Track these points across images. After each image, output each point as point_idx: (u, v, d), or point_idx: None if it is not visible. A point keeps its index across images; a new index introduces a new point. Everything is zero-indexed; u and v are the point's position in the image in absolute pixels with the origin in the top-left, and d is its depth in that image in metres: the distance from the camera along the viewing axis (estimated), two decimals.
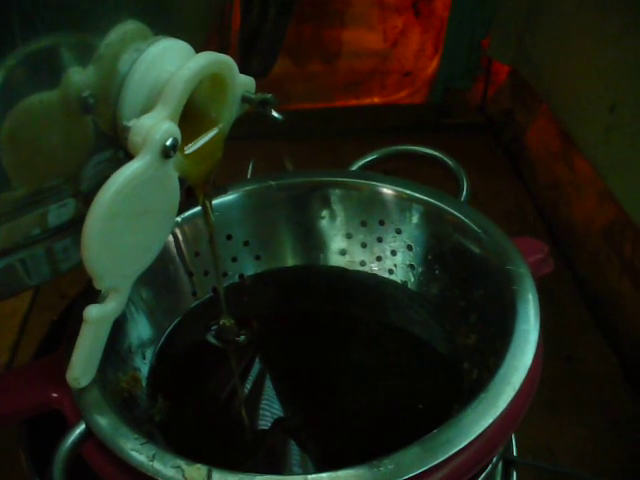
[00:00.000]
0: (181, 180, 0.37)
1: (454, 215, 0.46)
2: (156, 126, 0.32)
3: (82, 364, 0.35)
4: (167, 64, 0.35)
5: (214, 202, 0.47)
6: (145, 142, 0.32)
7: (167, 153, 0.33)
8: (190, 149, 0.37)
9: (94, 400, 0.35)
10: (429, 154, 0.50)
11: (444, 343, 0.46)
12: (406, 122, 1.04)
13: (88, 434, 0.34)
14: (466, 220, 0.45)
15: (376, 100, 1.10)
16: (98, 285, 0.34)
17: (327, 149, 0.94)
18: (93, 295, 0.37)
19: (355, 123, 1.03)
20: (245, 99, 0.39)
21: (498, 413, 0.33)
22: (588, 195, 0.79)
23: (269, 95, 0.39)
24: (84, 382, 0.36)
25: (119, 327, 0.41)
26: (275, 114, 0.39)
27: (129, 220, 0.33)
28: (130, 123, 0.33)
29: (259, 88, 0.39)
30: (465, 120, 1.08)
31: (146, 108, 0.34)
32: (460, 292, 0.45)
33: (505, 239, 0.43)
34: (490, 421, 0.32)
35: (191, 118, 0.36)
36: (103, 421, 0.34)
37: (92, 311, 0.34)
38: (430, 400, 0.42)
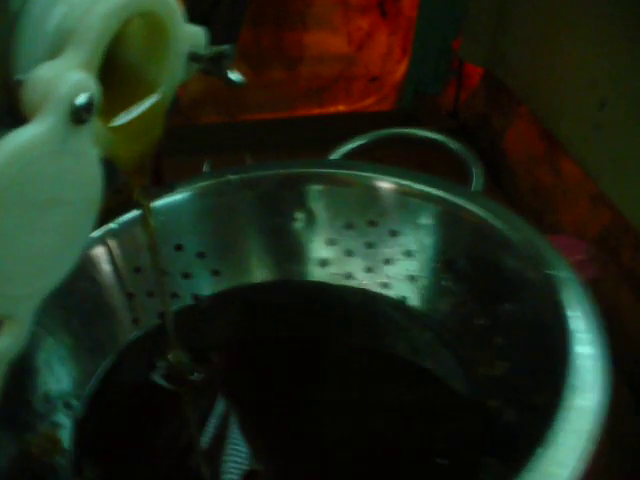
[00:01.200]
0: (112, 168, 0.27)
1: (471, 211, 0.36)
2: (62, 76, 0.23)
3: None
4: None
5: (159, 203, 0.39)
6: (46, 99, 0.22)
7: (79, 116, 0.23)
8: (120, 121, 0.27)
9: None
10: (427, 138, 0.41)
11: (459, 375, 0.36)
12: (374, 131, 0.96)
13: None
14: (488, 216, 0.35)
15: (341, 108, 1.05)
16: None
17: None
18: None
19: (319, 133, 0.95)
20: (193, 56, 0.29)
21: (568, 475, 0.23)
22: (578, 200, 0.72)
23: (225, 47, 0.29)
24: None
25: (30, 366, 0.32)
26: (232, 75, 0.30)
27: (22, 214, 0.23)
28: (24, 76, 0.23)
29: None
30: (437, 127, 1.01)
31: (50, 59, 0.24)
32: (480, 308, 0.36)
33: (539, 237, 0.34)
34: None
35: (121, 81, 0.28)
36: None
37: None
38: (450, 453, 0.32)
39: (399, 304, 0.40)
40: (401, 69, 0.99)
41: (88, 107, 0.23)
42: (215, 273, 0.42)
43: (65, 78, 0.23)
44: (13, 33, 0.24)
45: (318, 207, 0.41)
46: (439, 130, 0.99)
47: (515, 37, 0.84)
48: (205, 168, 0.47)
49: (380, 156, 0.47)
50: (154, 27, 0.28)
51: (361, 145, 0.42)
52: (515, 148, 0.87)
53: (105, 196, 0.27)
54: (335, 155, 0.42)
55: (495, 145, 0.91)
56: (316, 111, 1.02)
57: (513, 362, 0.33)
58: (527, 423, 0.28)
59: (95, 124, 0.25)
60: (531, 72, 0.80)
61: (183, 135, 0.72)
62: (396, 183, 0.39)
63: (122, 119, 0.28)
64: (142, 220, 0.32)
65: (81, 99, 0.23)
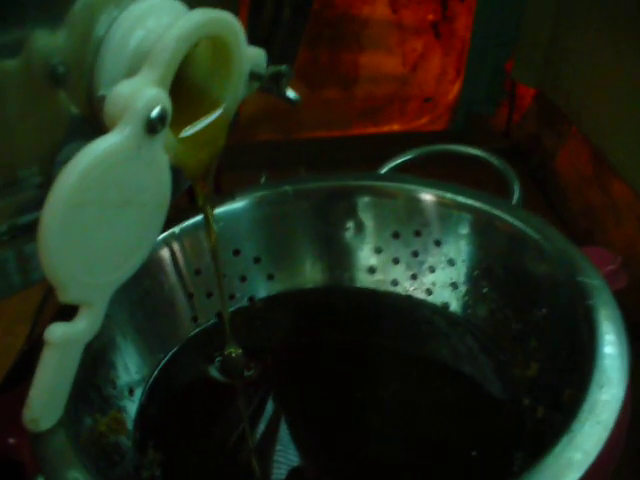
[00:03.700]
0: (178, 176, 0.30)
1: (507, 222, 0.38)
2: (139, 92, 0.26)
3: (43, 400, 0.27)
4: (154, 24, 0.28)
5: (219, 210, 0.41)
6: (124, 112, 0.25)
7: (153, 127, 0.26)
8: (187, 132, 0.30)
9: (59, 448, 0.27)
10: (470, 154, 0.43)
11: (497, 376, 0.38)
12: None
13: None
14: (523, 226, 0.37)
15: (395, 127, 1.04)
16: (62, 296, 0.26)
17: None
18: (68, 315, 0.29)
19: (373, 151, 0.96)
20: (254, 75, 0.32)
21: (590, 461, 0.25)
22: (627, 220, 0.72)
23: (283, 67, 0.32)
24: (45, 424, 0.28)
25: (101, 356, 0.35)
26: (290, 93, 0.32)
27: (102, 212, 0.26)
28: (106, 92, 0.26)
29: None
30: (489, 147, 1.01)
31: (128, 77, 0.27)
32: (516, 313, 0.38)
33: (572, 247, 0.36)
34: (581, 473, 0.24)
35: (189, 98, 0.31)
36: (70, 477, 0.26)
37: (56, 331, 0.27)
38: (484, 447, 0.34)
39: (442, 310, 0.42)
40: (454, 90, 0.99)
41: (161, 119, 0.26)
42: (270, 277, 0.44)
43: (142, 94, 0.26)
44: (98, 55, 0.28)
45: (367, 217, 0.43)
46: (491, 150, 1.01)
47: (568, 59, 0.83)
48: (262, 180, 0.50)
49: (432, 174, 0.48)
50: (220, 49, 0.30)
51: (407, 160, 0.44)
52: (566, 168, 0.86)
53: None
54: (384, 169, 0.45)
55: (546, 165, 0.91)
56: (371, 130, 1.02)
57: (544, 362, 0.35)
58: (555, 419, 0.30)
59: (166, 135, 0.28)
60: (583, 94, 0.79)
61: (241, 151, 0.74)
62: (437, 195, 0.41)
63: (189, 131, 0.31)
64: (205, 225, 0.35)
65: (155, 112, 0.26)
